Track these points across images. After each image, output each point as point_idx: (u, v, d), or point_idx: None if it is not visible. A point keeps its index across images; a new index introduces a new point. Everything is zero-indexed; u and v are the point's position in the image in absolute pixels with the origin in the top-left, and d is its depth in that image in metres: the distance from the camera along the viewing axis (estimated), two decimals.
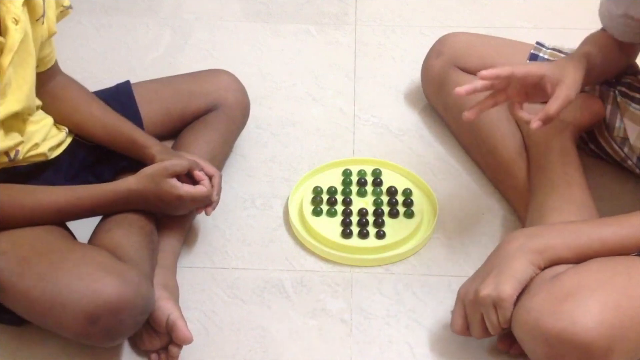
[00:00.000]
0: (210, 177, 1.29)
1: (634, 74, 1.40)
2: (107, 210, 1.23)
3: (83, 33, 1.87)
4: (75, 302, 1.04)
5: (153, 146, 1.29)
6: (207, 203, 1.28)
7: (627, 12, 1.26)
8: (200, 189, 1.25)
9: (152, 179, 1.22)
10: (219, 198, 1.31)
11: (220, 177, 1.32)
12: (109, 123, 1.32)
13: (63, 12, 1.26)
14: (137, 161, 1.29)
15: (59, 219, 1.19)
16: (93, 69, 1.76)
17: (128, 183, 1.22)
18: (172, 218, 1.30)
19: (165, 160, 1.25)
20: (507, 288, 1.05)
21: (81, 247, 1.17)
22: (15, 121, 1.19)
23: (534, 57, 1.48)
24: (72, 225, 1.24)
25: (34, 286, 1.06)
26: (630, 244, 1.08)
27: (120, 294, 1.04)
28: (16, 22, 1.11)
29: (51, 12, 1.21)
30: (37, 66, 1.21)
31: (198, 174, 1.27)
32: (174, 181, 1.23)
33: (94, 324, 1.04)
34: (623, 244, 1.09)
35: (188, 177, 1.27)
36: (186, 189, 1.23)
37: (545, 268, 1.08)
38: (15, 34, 1.11)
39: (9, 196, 1.14)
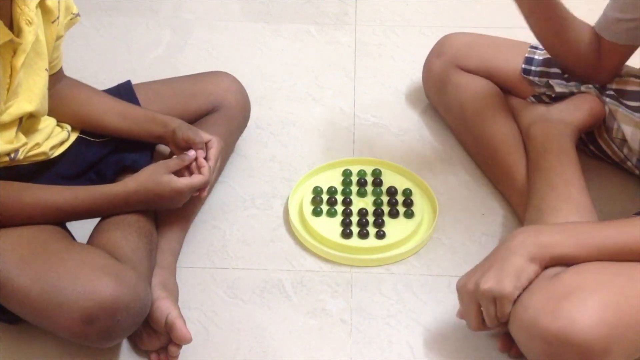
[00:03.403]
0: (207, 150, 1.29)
1: (620, 76, 1.41)
2: (106, 212, 1.23)
3: (83, 33, 1.87)
4: (72, 303, 1.03)
5: (174, 120, 1.31)
6: (204, 187, 1.28)
7: (620, 13, 1.28)
8: (197, 179, 1.25)
9: (150, 179, 1.22)
10: (213, 177, 1.30)
11: (219, 151, 1.31)
12: (124, 108, 1.34)
13: (72, 20, 1.27)
14: (139, 161, 1.30)
15: (57, 218, 1.19)
16: (93, 69, 1.75)
17: (127, 185, 1.22)
18: (172, 219, 1.31)
19: (183, 130, 1.28)
20: (509, 284, 1.04)
21: (79, 248, 1.17)
22: (33, 123, 1.20)
23: (529, 60, 1.48)
24: (71, 225, 1.24)
25: (31, 286, 1.06)
26: (634, 246, 1.06)
27: (117, 294, 1.04)
28: (30, 23, 1.12)
29: (62, 16, 1.22)
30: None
31: (201, 160, 1.27)
32: (171, 176, 1.23)
33: (90, 324, 1.04)
34: (627, 244, 1.06)
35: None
36: (183, 181, 1.23)
37: (547, 266, 1.07)
38: (28, 36, 1.13)
39: (8, 192, 1.15)
